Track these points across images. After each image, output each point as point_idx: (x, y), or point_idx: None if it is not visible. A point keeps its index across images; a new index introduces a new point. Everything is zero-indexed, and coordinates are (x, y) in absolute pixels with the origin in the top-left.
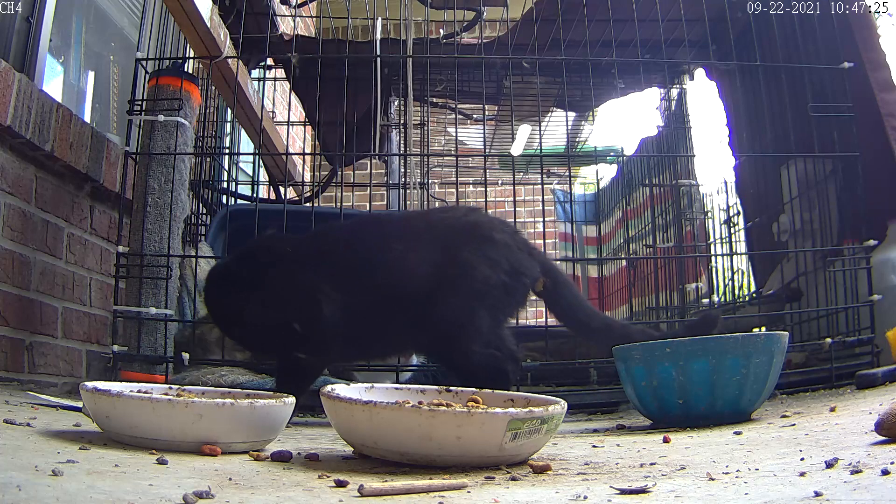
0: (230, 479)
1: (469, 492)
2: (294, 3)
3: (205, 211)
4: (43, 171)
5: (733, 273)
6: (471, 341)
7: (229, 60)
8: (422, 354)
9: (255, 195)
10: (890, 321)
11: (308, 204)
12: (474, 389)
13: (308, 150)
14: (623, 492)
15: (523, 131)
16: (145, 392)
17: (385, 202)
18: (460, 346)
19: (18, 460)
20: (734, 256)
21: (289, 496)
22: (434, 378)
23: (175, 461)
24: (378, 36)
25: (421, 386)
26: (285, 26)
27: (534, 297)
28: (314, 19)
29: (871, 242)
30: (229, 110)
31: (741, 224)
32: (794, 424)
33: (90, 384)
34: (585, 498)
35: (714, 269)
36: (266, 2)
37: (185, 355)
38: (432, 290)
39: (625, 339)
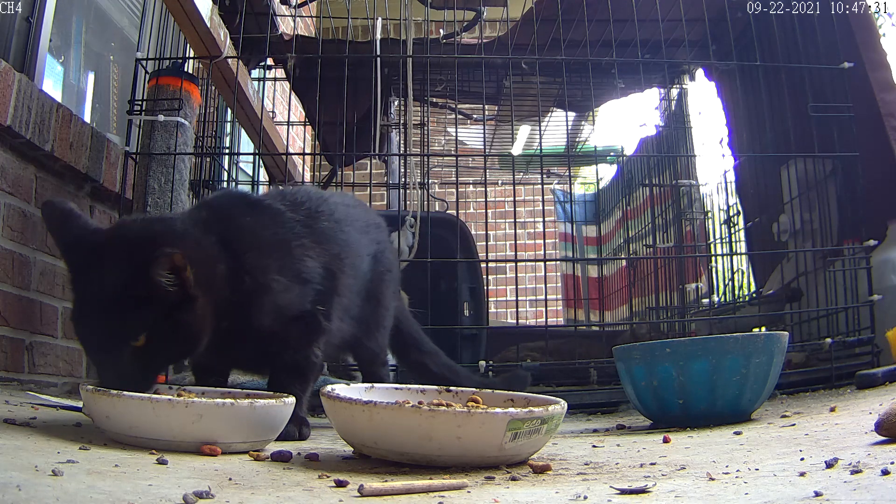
0: (230, 479)
1: (469, 492)
2: (294, 3)
3: None
4: (43, 171)
5: (733, 273)
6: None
7: (229, 60)
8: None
9: None
10: (890, 321)
11: None
12: (474, 389)
13: (308, 150)
14: (623, 492)
15: (523, 131)
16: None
17: (385, 202)
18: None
19: (18, 460)
20: (734, 256)
21: (289, 496)
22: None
23: (175, 461)
24: (378, 36)
25: (421, 386)
26: (285, 26)
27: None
28: (314, 19)
29: (871, 242)
30: (229, 110)
31: (741, 224)
32: (794, 424)
33: (90, 384)
34: (585, 498)
35: (714, 269)
36: (266, 2)
37: None
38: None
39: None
